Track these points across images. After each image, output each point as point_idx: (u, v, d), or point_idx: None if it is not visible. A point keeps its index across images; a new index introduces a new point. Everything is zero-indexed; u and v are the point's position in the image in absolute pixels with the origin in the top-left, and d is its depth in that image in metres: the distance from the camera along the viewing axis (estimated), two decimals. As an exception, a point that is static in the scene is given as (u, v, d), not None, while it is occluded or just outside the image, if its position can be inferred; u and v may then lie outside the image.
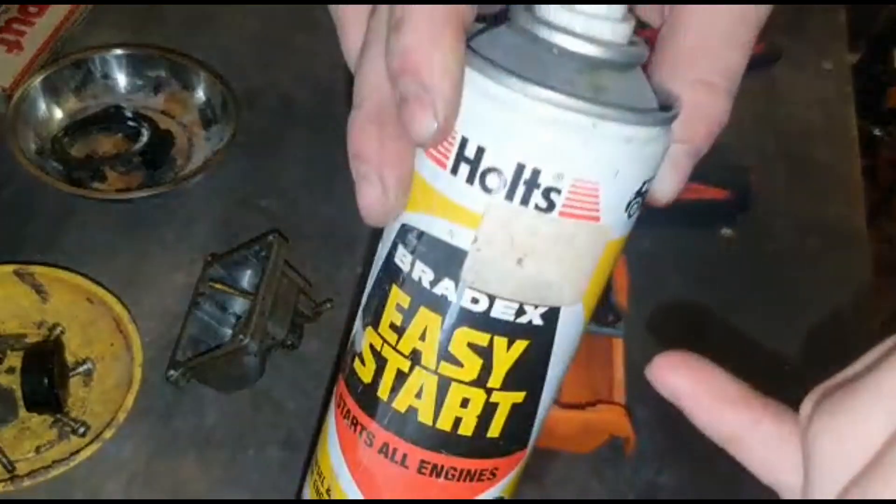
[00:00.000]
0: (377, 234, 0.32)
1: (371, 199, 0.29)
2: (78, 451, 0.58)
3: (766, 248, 0.78)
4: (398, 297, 0.30)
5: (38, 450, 0.60)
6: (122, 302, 0.65)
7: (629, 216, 0.29)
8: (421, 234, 0.29)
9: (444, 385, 0.30)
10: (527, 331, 0.29)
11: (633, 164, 0.27)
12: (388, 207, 0.29)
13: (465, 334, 0.29)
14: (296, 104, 0.84)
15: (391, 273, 0.30)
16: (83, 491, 0.59)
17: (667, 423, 0.63)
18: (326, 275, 0.71)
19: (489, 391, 0.30)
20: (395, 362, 0.31)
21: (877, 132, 1.47)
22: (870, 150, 1.51)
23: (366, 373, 0.32)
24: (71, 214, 0.73)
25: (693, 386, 0.26)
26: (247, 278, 0.68)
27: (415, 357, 0.30)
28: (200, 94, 0.81)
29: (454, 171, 0.27)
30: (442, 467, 0.32)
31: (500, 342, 0.29)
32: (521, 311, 0.29)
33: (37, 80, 0.78)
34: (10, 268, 0.66)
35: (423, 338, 0.30)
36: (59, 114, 0.79)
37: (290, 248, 0.67)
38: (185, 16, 0.90)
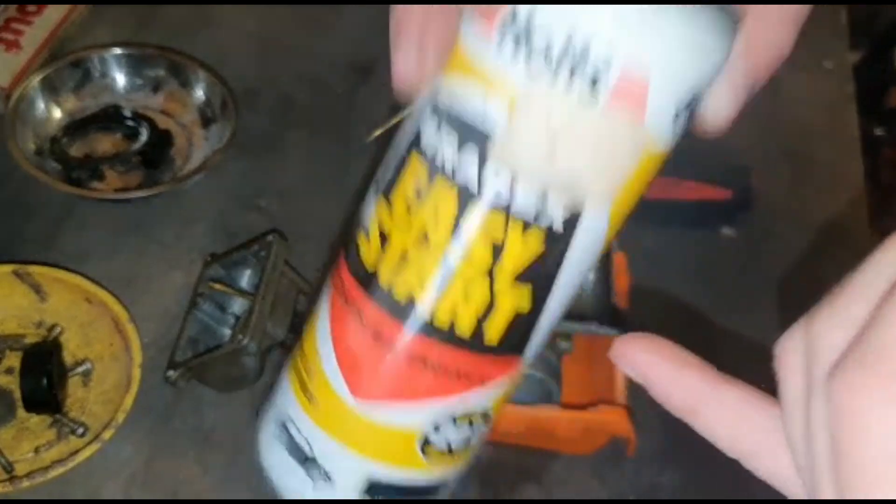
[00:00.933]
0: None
1: (408, 63, 0.28)
2: (77, 452, 0.58)
3: (767, 248, 0.78)
4: (416, 168, 0.28)
5: (36, 450, 0.60)
6: (121, 302, 0.65)
7: (674, 128, 0.27)
8: (452, 106, 0.27)
9: (447, 271, 0.28)
10: (544, 223, 0.27)
11: (687, 62, 0.26)
12: (423, 74, 0.28)
13: (480, 216, 0.27)
14: (295, 104, 0.84)
15: (413, 142, 0.28)
16: (82, 492, 0.58)
17: (668, 424, 0.62)
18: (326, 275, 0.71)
19: (494, 286, 0.28)
20: (402, 240, 0.29)
21: (878, 132, 1.47)
22: (871, 149, 1.51)
23: (368, 249, 0.30)
24: (70, 214, 0.73)
25: (653, 357, 0.27)
26: (246, 278, 0.67)
27: (423, 236, 0.28)
28: (200, 94, 0.81)
29: (500, 43, 0.26)
30: (430, 359, 0.30)
31: (515, 230, 0.27)
32: (543, 201, 0.27)
33: (35, 80, 0.78)
34: (8, 268, 0.66)
35: (435, 216, 0.28)
36: (57, 113, 0.79)
37: (290, 248, 0.67)
38: (184, 15, 0.90)
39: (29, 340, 0.65)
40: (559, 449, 0.62)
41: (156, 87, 0.82)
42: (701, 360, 0.26)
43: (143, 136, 0.77)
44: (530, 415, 0.58)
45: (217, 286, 0.66)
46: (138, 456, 0.60)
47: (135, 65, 0.82)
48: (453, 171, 0.27)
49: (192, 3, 0.91)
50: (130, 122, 0.79)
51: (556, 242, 0.28)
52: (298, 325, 0.66)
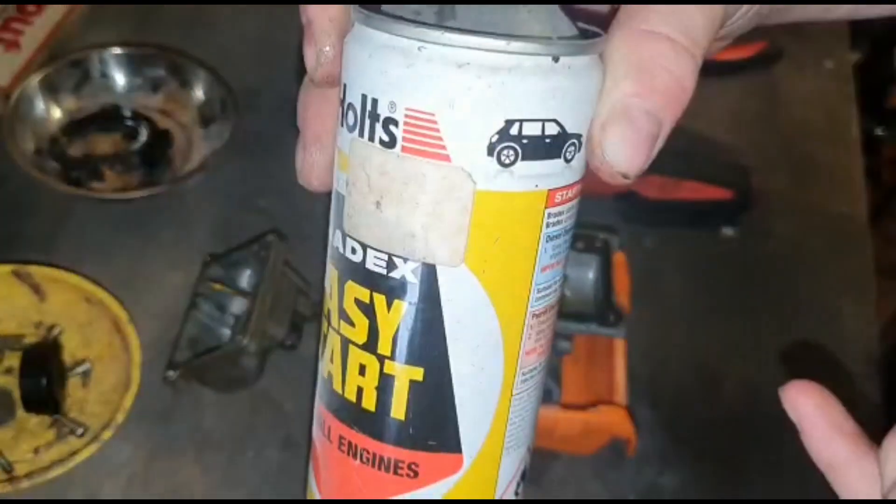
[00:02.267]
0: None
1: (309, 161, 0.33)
2: (76, 452, 0.58)
3: (767, 247, 0.78)
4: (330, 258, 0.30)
5: (36, 451, 0.60)
6: (121, 302, 0.65)
7: (501, 163, 0.25)
8: (335, 190, 0.29)
9: (344, 347, 0.28)
10: (402, 289, 0.27)
11: (474, 94, 0.24)
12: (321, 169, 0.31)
13: (351, 289, 0.28)
14: (294, 104, 0.84)
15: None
16: (82, 492, 0.58)
17: (668, 424, 0.62)
18: (326, 275, 0.71)
19: (381, 358, 0.27)
20: (323, 325, 0.30)
21: (879, 131, 1.47)
22: (872, 149, 1.51)
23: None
24: (69, 214, 0.73)
25: (817, 411, 0.30)
26: (246, 278, 0.67)
27: (329, 317, 0.29)
28: (199, 94, 0.81)
29: (340, 118, 0.28)
30: (356, 446, 0.29)
31: (380, 299, 0.27)
32: (391, 264, 0.27)
33: (35, 80, 0.78)
34: (7, 268, 0.66)
35: (331, 295, 0.29)
36: (57, 113, 0.79)
37: (289, 248, 0.67)
38: (183, 15, 0.90)
39: (28, 341, 0.65)
40: (559, 449, 0.62)
41: (155, 86, 0.82)
42: (855, 425, 0.30)
43: (143, 135, 0.77)
44: (530, 415, 0.58)
45: (216, 286, 0.66)
46: (138, 456, 0.60)
47: (134, 65, 0.82)
48: (331, 252, 0.29)
49: (192, 3, 0.91)
50: (130, 122, 0.79)
51: (422, 300, 0.27)
52: (298, 325, 0.66)
